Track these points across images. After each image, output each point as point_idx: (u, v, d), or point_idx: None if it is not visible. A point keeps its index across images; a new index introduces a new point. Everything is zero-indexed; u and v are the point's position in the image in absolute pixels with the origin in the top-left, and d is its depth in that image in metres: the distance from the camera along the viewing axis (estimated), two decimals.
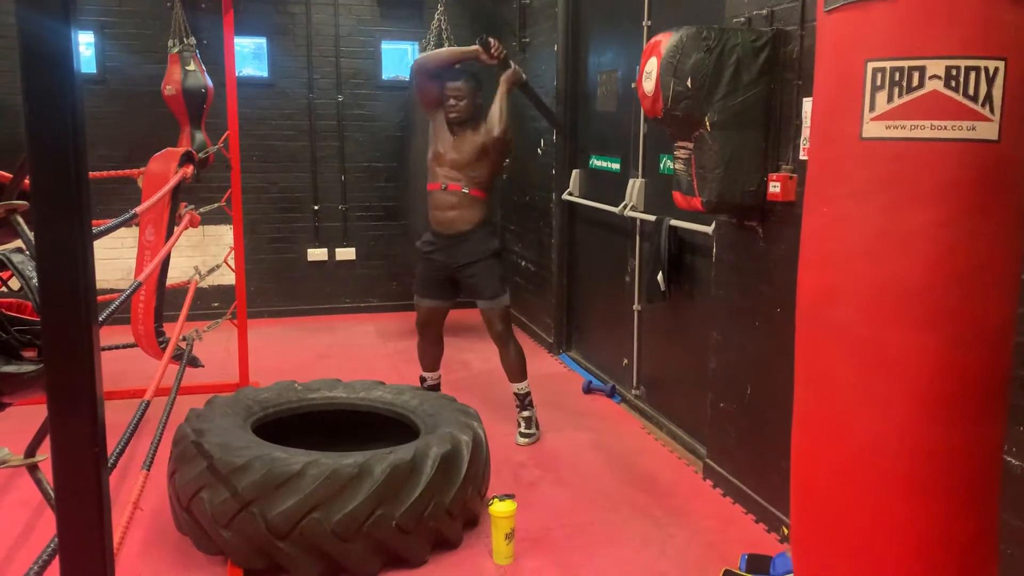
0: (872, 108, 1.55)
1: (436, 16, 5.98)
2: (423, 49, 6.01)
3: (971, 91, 1.48)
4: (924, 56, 1.49)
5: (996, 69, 1.47)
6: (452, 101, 3.92)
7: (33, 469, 1.25)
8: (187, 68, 5.52)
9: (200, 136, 5.66)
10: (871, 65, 1.54)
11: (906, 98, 1.51)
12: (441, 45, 5.91)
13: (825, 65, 1.67)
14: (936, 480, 1.56)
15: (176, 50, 5.56)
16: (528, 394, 4.11)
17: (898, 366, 1.56)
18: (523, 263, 6.34)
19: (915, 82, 1.51)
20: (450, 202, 3.96)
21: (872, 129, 1.55)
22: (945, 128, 1.50)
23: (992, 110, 1.49)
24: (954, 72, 1.48)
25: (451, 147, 3.97)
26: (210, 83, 5.66)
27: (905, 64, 1.51)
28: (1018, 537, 2.20)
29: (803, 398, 1.76)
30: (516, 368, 4.08)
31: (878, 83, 1.54)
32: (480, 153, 3.92)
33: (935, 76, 1.49)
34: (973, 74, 1.48)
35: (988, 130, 1.49)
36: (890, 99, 1.53)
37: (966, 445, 1.56)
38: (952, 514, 1.57)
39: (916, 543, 1.57)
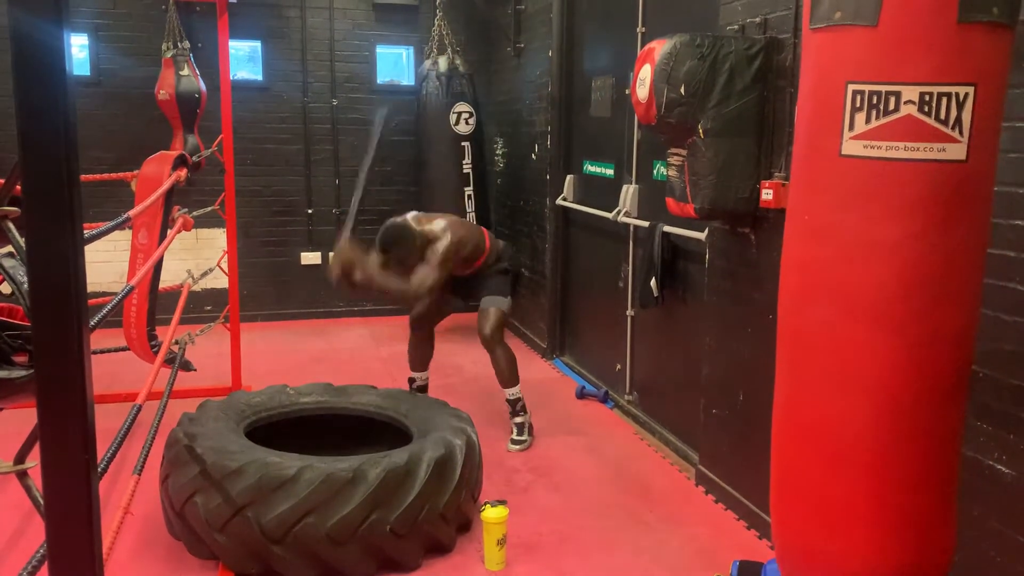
0: (851, 127, 1.66)
1: (436, 21, 6.00)
2: (427, 56, 6.03)
3: (942, 115, 1.59)
4: (900, 82, 1.60)
5: (966, 94, 1.59)
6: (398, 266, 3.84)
7: (22, 475, 1.24)
8: (181, 73, 5.52)
9: (193, 140, 5.65)
10: (851, 87, 1.65)
11: (883, 120, 1.63)
12: (443, 50, 5.94)
13: (809, 81, 1.78)
14: (900, 461, 1.71)
15: (170, 54, 5.56)
16: (520, 399, 4.09)
17: (869, 362, 1.69)
18: (522, 271, 6.34)
19: (891, 106, 1.62)
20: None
21: (851, 147, 1.67)
22: (918, 149, 1.61)
23: (961, 132, 1.60)
24: (927, 97, 1.59)
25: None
26: (204, 87, 5.65)
27: (882, 88, 1.62)
28: (1006, 543, 2.20)
29: (783, 388, 1.89)
30: (506, 373, 4.08)
31: (857, 104, 1.65)
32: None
33: (910, 101, 1.60)
34: (945, 99, 1.59)
35: (957, 151, 1.61)
36: (868, 120, 1.64)
37: (928, 432, 1.72)
38: (917, 489, 1.73)
39: (884, 514, 1.73)
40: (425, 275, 3.70)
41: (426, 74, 5.93)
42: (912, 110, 1.60)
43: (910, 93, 1.59)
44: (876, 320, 1.67)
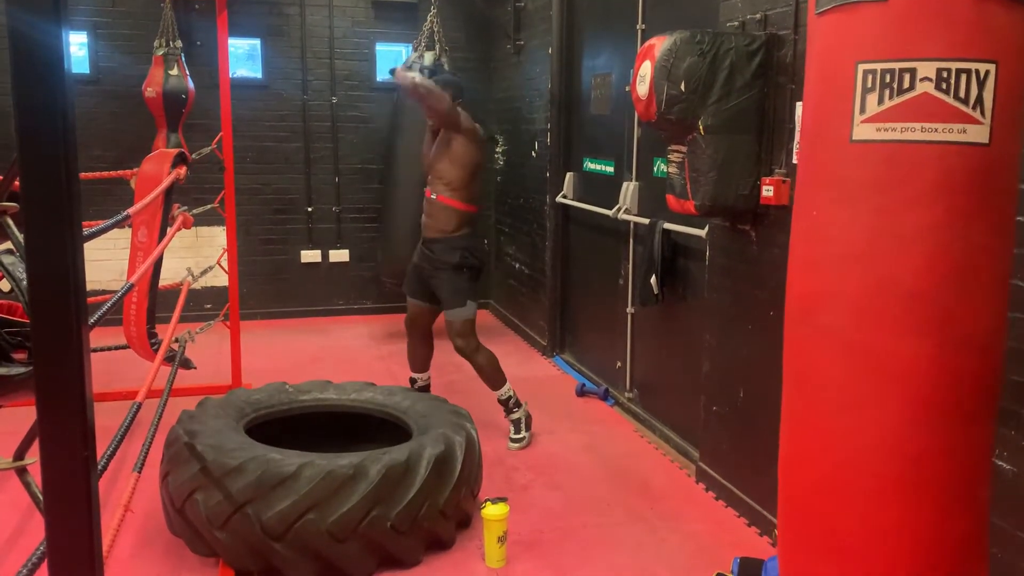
0: (863, 110, 1.54)
1: (428, 18, 5.97)
2: (414, 48, 6.01)
3: (962, 93, 1.47)
4: (915, 58, 1.49)
5: (987, 72, 1.47)
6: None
7: (22, 472, 1.24)
8: (170, 72, 5.54)
9: (175, 139, 5.66)
10: (862, 67, 1.53)
11: (897, 100, 1.51)
12: (432, 47, 5.92)
13: (815, 67, 1.67)
14: (926, 483, 1.56)
15: (161, 52, 5.56)
16: (511, 398, 4.07)
17: (888, 370, 1.55)
18: (517, 265, 6.34)
19: (906, 84, 1.50)
20: (427, 209, 4.05)
21: (862, 131, 1.55)
22: (936, 130, 1.49)
23: (983, 113, 1.48)
24: (945, 74, 1.47)
25: (428, 149, 4.09)
26: (192, 87, 5.66)
27: (896, 66, 1.50)
28: (1007, 539, 2.21)
29: (792, 401, 1.75)
30: (490, 377, 4.05)
31: (868, 85, 1.53)
32: (447, 150, 3.93)
33: (926, 78, 1.48)
34: (964, 76, 1.47)
35: (979, 133, 1.49)
36: (880, 101, 1.52)
37: (956, 448, 1.56)
38: (942, 517, 1.57)
39: (906, 546, 1.57)
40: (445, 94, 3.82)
41: (409, 65, 5.89)
42: (929, 87, 1.48)
43: (926, 69, 1.47)
44: (896, 323, 1.53)
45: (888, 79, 1.51)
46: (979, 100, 1.47)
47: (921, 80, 1.48)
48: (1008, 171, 1.56)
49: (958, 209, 1.50)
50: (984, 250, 1.53)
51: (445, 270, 3.95)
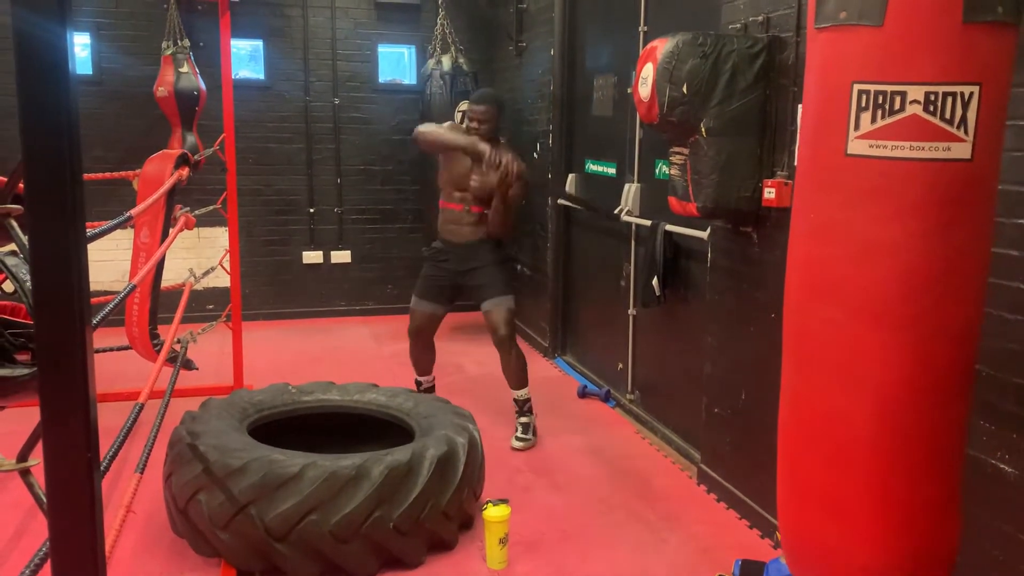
0: (857, 127, 1.67)
1: (438, 20, 6.01)
2: (430, 55, 6.03)
3: (948, 115, 1.61)
4: (906, 82, 1.61)
5: (971, 93, 1.60)
6: (475, 124, 3.99)
7: (25, 473, 1.24)
8: (180, 70, 5.53)
9: (191, 138, 5.66)
10: (856, 87, 1.66)
11: (888, 120, 1.64)
12: (447, 50, 5.94)
13: (814, 80, 1.78)
14: (907, 454, 1.74)
15: (169, 52, 5.57)
16: (528, 400, 4.11)
17: (872, 360, 1.72)
18: (518, 267, 6.34)
19: (897, 105, 1.63)
20: (463, 219, 4.08)
21: (857, 147, 1.68)
22: (923, 149, 1.63)
23: (966, 131, 1.61)
24: (933, 97, 1.60)
25: (466, 173, 4.03)
26: (203, 85, 5.66)
27: (888, 88, 1.63)
28: (1008, 541, 2.20)
29: (790, 378, 1.91)
30: (517, 373, 4.09)
31: (863, 104, 1.66)
32: (489, 189, 3.98)
33: (915, 101, 1.61)
34: (950, 99, 1.60)
35: (962, 150, 1.62)
36: (873, 120, 1.65)
37: (935, 426, 1.74)
38: (922, 483, 1.76)
39: (890, 507, 1.76)
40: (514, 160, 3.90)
41: (430, 73, 5.94)
42: (918, 110, 1.61)
43: (916, 93, 1.60)
44: (880, 318, 1.69)
45: (880, 100, 1.64)
46: (963, 120, 1.60)
47: (911, 103, 1.61)
48: (988, 182, 1.70)
49: (943, 218, 1.64)
50: (965, 253, 1.68)
51: (489, 265, 4.06)
